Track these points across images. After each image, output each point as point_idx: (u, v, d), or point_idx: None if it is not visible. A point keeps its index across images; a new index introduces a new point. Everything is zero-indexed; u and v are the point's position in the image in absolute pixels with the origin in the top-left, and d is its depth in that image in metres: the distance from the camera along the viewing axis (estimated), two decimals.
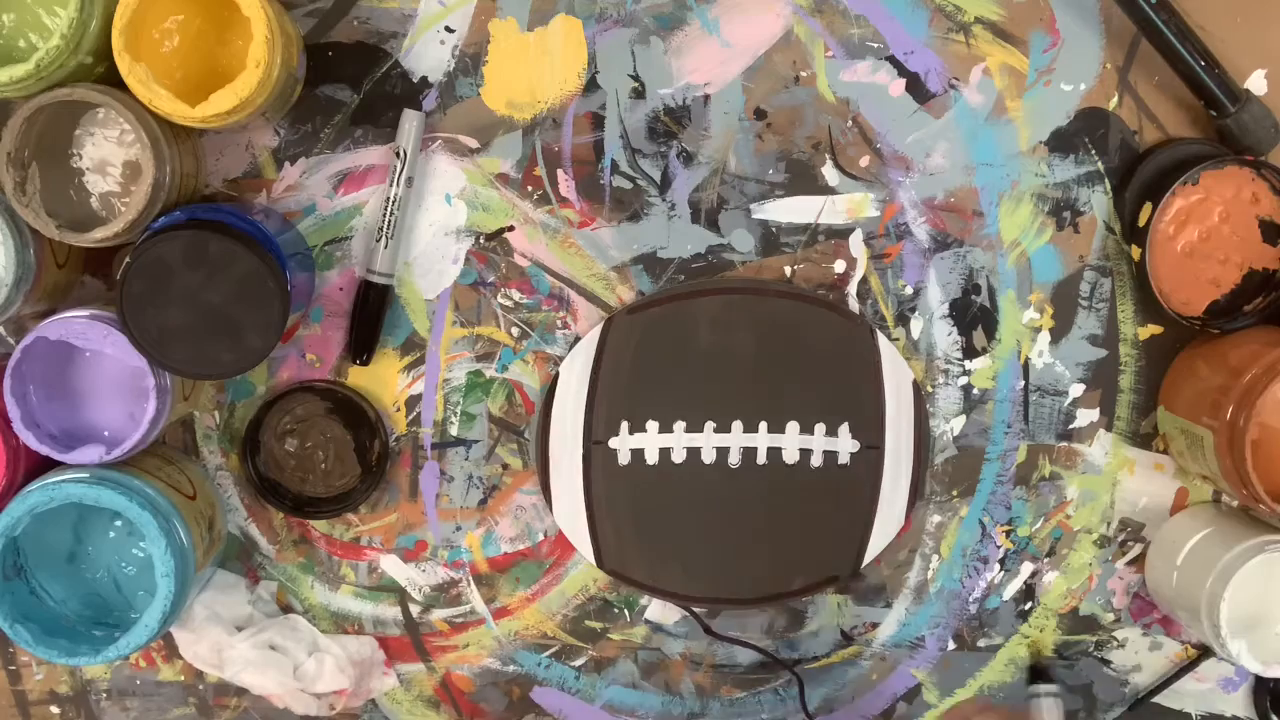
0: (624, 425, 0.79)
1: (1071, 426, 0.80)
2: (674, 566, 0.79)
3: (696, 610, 0.81)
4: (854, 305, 0.79)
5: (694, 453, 0.78)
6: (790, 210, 0.79)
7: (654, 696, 0.82)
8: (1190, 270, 0.77)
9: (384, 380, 0.79)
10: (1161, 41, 0.74)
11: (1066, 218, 0.79)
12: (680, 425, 0.78)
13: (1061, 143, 0.78)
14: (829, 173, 0.78)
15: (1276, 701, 0.83)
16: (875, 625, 0.82)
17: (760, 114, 0.78)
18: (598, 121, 0.78)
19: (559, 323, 0.79)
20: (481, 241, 0.78)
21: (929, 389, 0.80)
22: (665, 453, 0.79)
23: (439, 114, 0.77)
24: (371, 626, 0.81)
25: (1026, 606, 0.82)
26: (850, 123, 0.78)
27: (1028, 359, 0.80)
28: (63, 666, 0.80)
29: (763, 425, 0.78)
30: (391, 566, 0.80)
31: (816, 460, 0.79)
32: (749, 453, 0.78)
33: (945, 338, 0.80)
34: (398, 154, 0.76)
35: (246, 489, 0.80)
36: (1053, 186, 0.79)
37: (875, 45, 0.77)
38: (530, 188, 0.78)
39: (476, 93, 0.77)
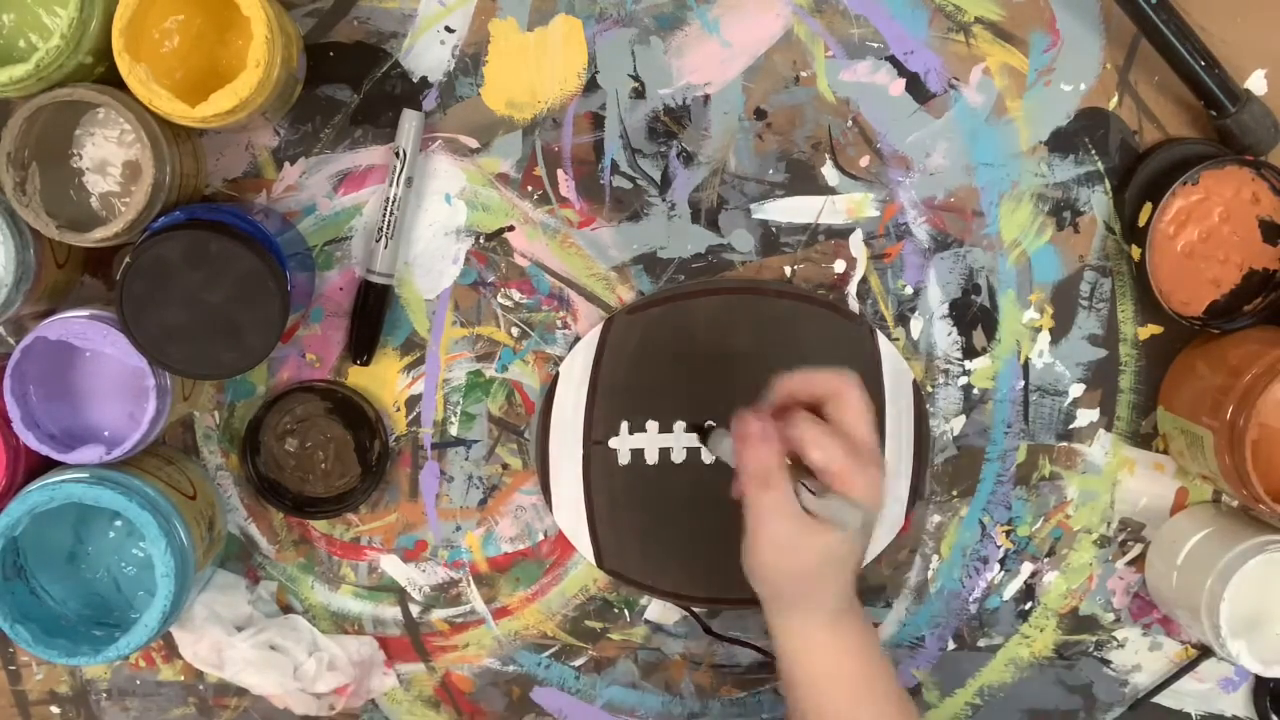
0: (624, 425, 0.79)
1: (1071, 426, 0.81)
2: (674, 566, 0.79)
3: (696, 610, 0.81)
4: (854, 305, 0.79)
5: (694, 452, 0.78)
6: (790, 210, 0.79)
7: (654, 696, 0.82)
8: (1190, 270, 0.77)
9: (384, 380, 0.79)
10: (1161, 41, 0.74)
11: (1066, 218, 0.79)
12: (680, 425, 0.78)
13: (1061, 143, 0.78)
14: (829, 173, 0.78)
15: (1276, 701, 0.83)
16: (875, 625, 0.82)
17: (760, 114, 0.78)
18: (598, 121, 0.78)
19: (559, 323, 0.79)
20: (481, 241, 0.78)
21: (929, 389, 0.80)
22: (665, 453, 0.79)
23: (439, 114, 0.77)
24: (371, 626, 0.81)
25: (1026, 606, 0.82)
26: (850, 123, 0.78)
27: (1028, 359, 0.80)
28: (63, 666, 0.80)
29: None
30: (391, 566, 0.80)
31: None
32: None
33: (945, 338, 0.80)
34: (397, 154, 0.76)
35: (246, 489, 0.80)
36: (1053, 186, 0.79)
37: (875, 45, 0.77)
38: (530, 188, 0.78)
39: (476, 93, 0.77)
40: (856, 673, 0.67)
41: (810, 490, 0.64)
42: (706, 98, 0.78)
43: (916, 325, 0.80)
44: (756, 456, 0.65)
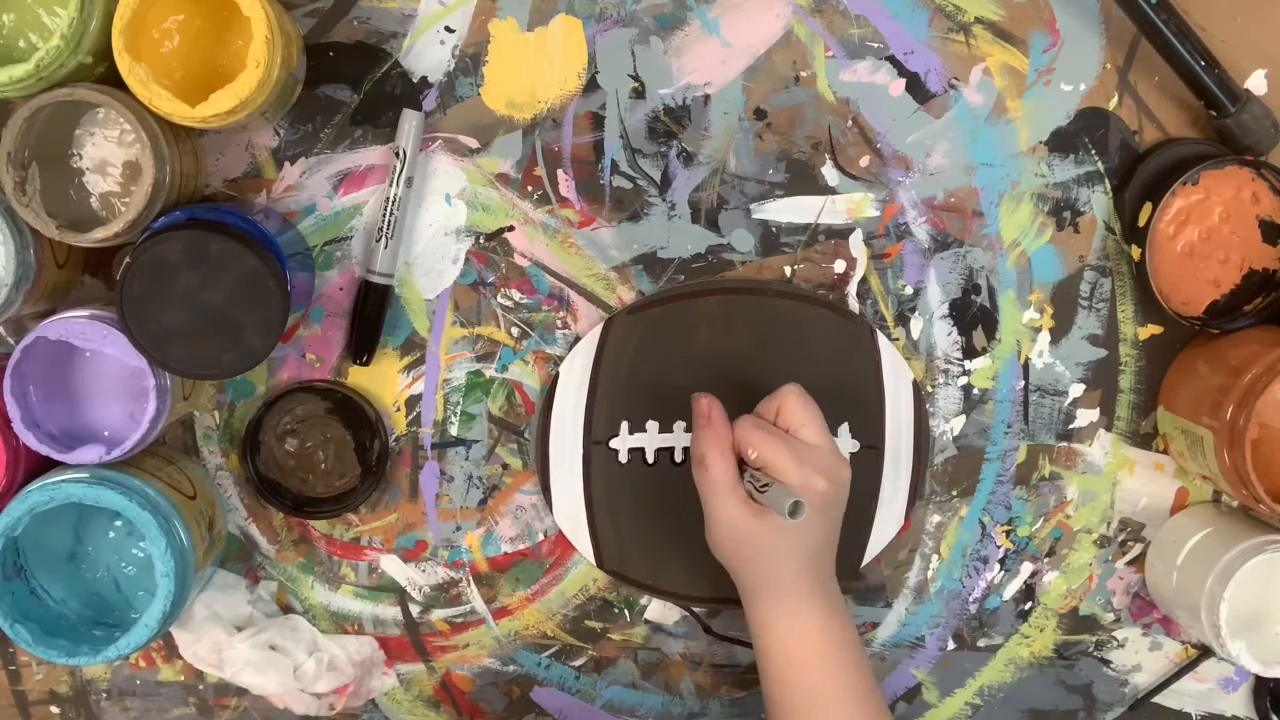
0: (624, 425, 0.79)
1: (1071, 426, 0.81)
2: (674, 566, 0.79)
3: (696, 610, 0.81)
4: (854, 305, 0.79)
5: None
6: (790, 210, 0.79)
7: (654, 696, 0.82)
8: (1190, 270, 0.77)
9: (384, 380, 0.79)
10: (1161, 41, 0.74)
11: (1066, 218, 0.79)
12: (680, 425, 0.78)
13: (1061, 143, 0.78)
14: (829, 173, 0.78)
15: (1276, 701, 0.83)
16: (875, 625, 0.82)
17: (760, 114, 0.78)
18: (598, 121, 0.78)
19: (559, 323, 0.79)
20: (481, 241, 0.78)
21: (929, 389, 0.80)
22: (665, 453, 0.79)
23: (439, 114, 0.77)
24: (371, 626, 0.81)
25: (1026, 606, 0.82)
26: (850, 123, 0.78)
27: (1028, 359, 0.80)
28: (63, 666, 0.80)
29: None
30: (391, 566, 0.80)
31: None
32: None
33: (945, 338, 0.80)
34: (397, 154, 0.76)
35: (246, 489, 0.80)
36: (1053, 186, 0.79)
37: (875, 45, 0.77)
38: (530, 188, 0.78)
39: (476, 93, 0.77)
40: (813, 659, 0.71)
41: (755, 480, 0.69)
42: (706, 98, 0.78)
43: (916, 325, 0.80)
44: (695, 441, 0.72)
